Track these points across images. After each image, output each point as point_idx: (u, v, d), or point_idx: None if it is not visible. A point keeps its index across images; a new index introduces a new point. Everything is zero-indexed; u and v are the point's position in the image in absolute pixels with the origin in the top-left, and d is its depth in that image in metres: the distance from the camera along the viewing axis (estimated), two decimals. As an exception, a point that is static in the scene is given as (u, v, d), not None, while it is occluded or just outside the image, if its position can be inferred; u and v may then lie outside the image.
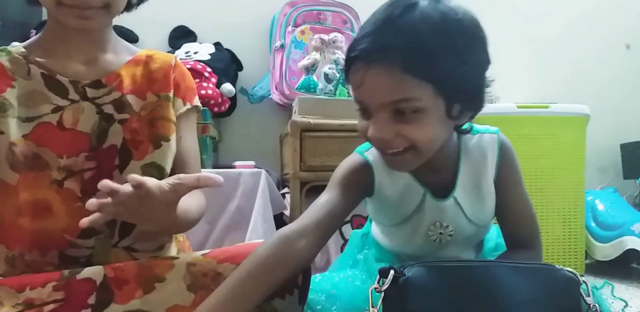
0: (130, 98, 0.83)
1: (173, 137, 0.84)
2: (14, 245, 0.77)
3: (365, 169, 0.80)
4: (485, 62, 0.72)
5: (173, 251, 0.89)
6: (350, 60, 0.69)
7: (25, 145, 0.77)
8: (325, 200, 0.76)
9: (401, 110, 0.67)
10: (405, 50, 0.64)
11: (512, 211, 0.83)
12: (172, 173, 0.82)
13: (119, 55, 0.86)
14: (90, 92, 0.81)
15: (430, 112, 0.67)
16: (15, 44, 0.83)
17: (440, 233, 0.81)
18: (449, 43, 0.66)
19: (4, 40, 1.77)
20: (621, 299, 0.80)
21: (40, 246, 0.77)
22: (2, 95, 0.77)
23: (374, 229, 0.95)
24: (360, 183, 0.80)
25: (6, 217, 0.76)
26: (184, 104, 0.87)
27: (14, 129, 0.77)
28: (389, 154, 0.71)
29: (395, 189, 0.80)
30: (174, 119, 0.85)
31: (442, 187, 0.80)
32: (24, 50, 0.81)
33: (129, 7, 0.84)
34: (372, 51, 0.66)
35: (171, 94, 0.85)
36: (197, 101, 0.90)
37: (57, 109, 0.79)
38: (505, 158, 0.81)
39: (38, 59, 0.80)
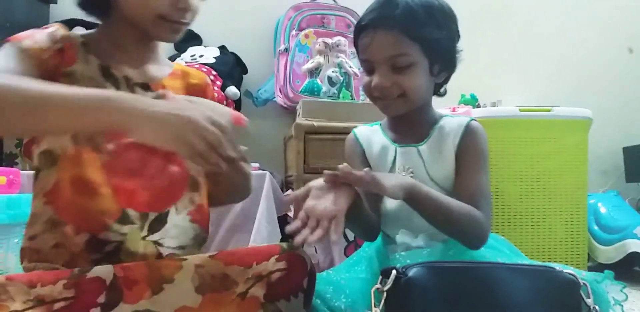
0: None
1: None
2: (61, 211, 0.79)
3: (354, 139, 1.03)
4: (456, 34, 0.95)
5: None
6: (360, 29, 0.93)
7: None
8: None
9: (398, 64, 0.89)
10: (401, 18, 0.88)
11: (461, 184, 0.92)
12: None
13: (161, 67, 0.92)
14: (138, 91, 0.85)
15: (418, 66, 0.90)
16: (76, 32, 0.87)
17: (404, 174, 0.94)
18: (431, 16, 0.90)
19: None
20: (619, 283, 0.81)
21: (78, 223, 0.79)
22: (71, 68, 0.82)
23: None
24: (357, 151, 1.01)
25: (61, 183, 0.79)
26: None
27: None
28: (384, 101, 0.92)
29: (374, 151, 0.99)
30: None
31: (411, 146, 0.97)
32: (83, 39, 0.85)
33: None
34: (378, 20, 0.90)
35: None
36: None
37: None
38: (466, 138, 0.93)
39: (96, 51, 0.85)
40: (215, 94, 1.71)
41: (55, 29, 0.84)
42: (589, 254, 1.90)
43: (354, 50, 1.94)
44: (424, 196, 0.82)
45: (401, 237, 0.91)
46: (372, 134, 1.01)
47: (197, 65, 1.84)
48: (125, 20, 0.85)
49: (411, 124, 0.97)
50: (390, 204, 0.94)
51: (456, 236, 0.86)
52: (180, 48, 2.01)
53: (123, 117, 0.66)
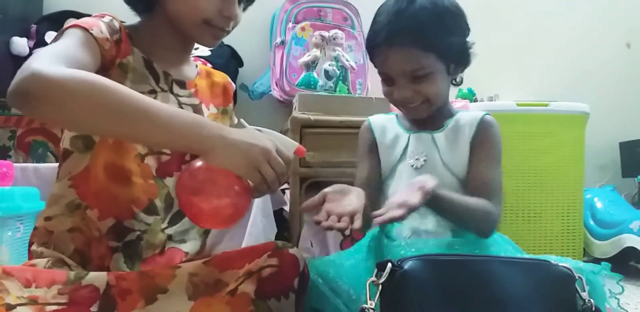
0: (203, 107, 0.93)
1: None
2: (86, 195, 0.80)
3: (367, 127, 1.06)
4: (466, 29, 0.96)
5: (192, 247, 0.91)
6: (373, 47, 0.94)
7: None
8: (360, 168, 1.02)
9: (417, 75, 0.91)
10: (413, 32, 0.89)
11: (475, 175, 0.93)
12: None
13: (191, 67, 0.97)
14: (175, 88, 0.89)
15: (436, 73, 0.92)
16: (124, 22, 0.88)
17: (417, 158, 0.96)
18: (441, 23, 0.90)
19: (5, 34, 1.78)
20: (616, 275, 0.81)
21: (105, 208, 0.80)
22: (127, 58, 0.83)
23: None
24: (367, 140, 1.04)
25: (92, 168, 0.80)
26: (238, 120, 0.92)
27: None
28: (409, 108, 0.96)
29: (387, 138, 1.02)
30: None
31: (426, 132, 0.99)
32: (127, 31, 0.86)
33: None
34: (390, 37, 0.90)
35: (230, 108, 1.00)
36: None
37: (152, 91, 0.85)
38: (481, 130, 0.95)
39: (140, 45, 0.87)
40: None
41: (111, 19, 0.84)
42: (584, 249, 1.91)
43: (350, 43, 1.96)
44: (444, 200, 0.83)
45: (409, 220, 0.91)
46: (387, 122, 1.04)
47: (192, 58, 1.82)
48: (168, 20, 0.87)
49: (429, 116, 0.98)
50: (401, 184, 0.95)
51: (469, 227, 0.90)
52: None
53: (208, 142, 0.69)
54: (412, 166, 0.96)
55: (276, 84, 1.93)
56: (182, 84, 0.91)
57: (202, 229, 0.93)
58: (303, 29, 1.92)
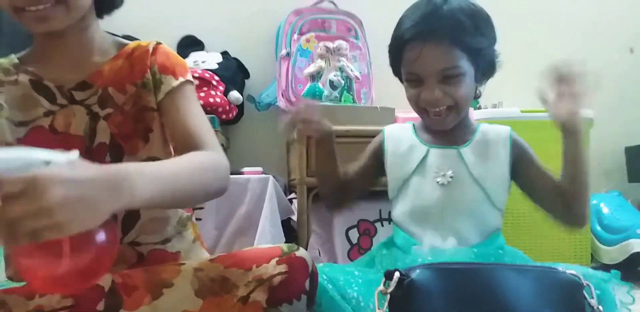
0: (112, 91, 0.82)
1: (156, 126, 0.84)
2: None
3: (379, 137, 1.05)
4: (495, 38, 0.97)
5: (182, 245, 0.87)
6: (404, 42, 0.92)
7: None
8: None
9: (447, 75, 0.89)
10: (450, 30, 0.88)
11: (550, 178, 0.95)
12: (183, 149, 0.78)
13: (105, 54, 0.85)
14: (77, 95, 0.82)
15: (466, 76, 0.91)
16: (12, 56, 0.85)
17: (443, 175, 0.94)
18: (477, 25, 0.91)
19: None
20: (626, 283, 0.81)
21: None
22: None
23: (395, 213, 0.99)
24: (375, 145, 1.05)
25: None
26: (177, 79, 0.84)
27: (7, 132, 0.79)
28: (432, 114, 0.93)
29: (400, 149, 1.00)
30: (155, 106, 0.83)
31: (451, 148, 0.97)
32: (16, 61, 0.83)
33: (111, 7, 0.85)
34: (426, 32, 0.89)
35: (148, 79, 0.83)
36: (190, 77, 0.86)
37: (49, 113, 0.80)
38: (517, 147, 0.98)
39: (28, 68, 0.82)
40: (204, 88, 1.74)
41: None
42: (592, 255, 1.90)
43: (355, 53, 1.97)
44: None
45: (429, 238, 0.91)
46: (402, 132, 1.03)
47: (199, 71, 1.85)
48: None
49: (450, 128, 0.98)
50: (421, 200, 0.95)
51: (581, 197, 0.93)
52: (183, 54, 2.02)
53: None
54: (438, 182, 0.94)
55: (282, 95, 1.95)
56: (83, 85, 0.81)
57: (176, 220, 0.86)
58: (308, 40, 1.94)
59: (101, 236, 0.56)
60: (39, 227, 0.47)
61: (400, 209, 0.98)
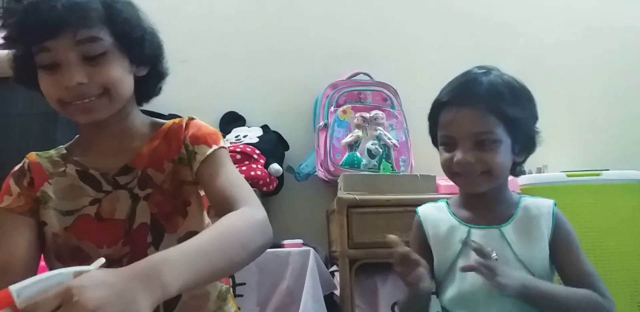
0: (151, 171, 0.85)
1: (194, 199, 0.86)
2: None
3: (417, 222, 1.01)
4: (535, 116, 0.97)
5: None
6: (442, 105, 0.94)
7: (67, 238, 0.83)
8: None
9: (482, 141, 0.90)
10: (487, 96, 0.90)
11: (573, 270, 0.91)
12: (220, 212, 0.77)
13: (144, 137, 0.89)
14: (121, 179, 0.85)
15: (502, 144, 0.90)
16: (61, 147, 0.92)
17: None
18: (515, 96, 0.92)
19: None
20: None
21: None
22: (41, 189, 0.85)
23: (443, 299, 0.96)
24: (418, 236, 1.00)
25: None
26: (210, 147, 0.85)
27: (55, 221, 0.83)
28: (466, 178, 0.92)
29: (440, 230, 0.97)
30: (192, 179, 0.85)
31: (492, 227, 0.94)
32: (64, 151, 0.90)
33: (150, 96, 0.91)
34: (463, 97, 0.91)
35: (184, 154, 0.85)
36: (223, 143, 0.88)
37: (95, 201, 0.85)
38: (559, 223, 0.93)
39: (75, 158, 0.88)
40: (246, 162, 1.80)
41: (21, 165, 0.89)
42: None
43: (391, 122, 2.00)
44: (541, 292, 0.83)
45: (473, 306, 0.89)
46: (438, 213, 1.00)
47: (241, 146, 1.90)
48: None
49: (488, 203, 0.96)
50: (468, 285, 0.91)
51: None
52: (225, 129, 2.10)
53: None
54: None
55: (321, 165, 1.97)
56: (125, 170, 0.85)
57: (216, 295, 0.86)
58: (345, 111, 1.99)
59: None
60: None
61: (447, 295, 0.95)
